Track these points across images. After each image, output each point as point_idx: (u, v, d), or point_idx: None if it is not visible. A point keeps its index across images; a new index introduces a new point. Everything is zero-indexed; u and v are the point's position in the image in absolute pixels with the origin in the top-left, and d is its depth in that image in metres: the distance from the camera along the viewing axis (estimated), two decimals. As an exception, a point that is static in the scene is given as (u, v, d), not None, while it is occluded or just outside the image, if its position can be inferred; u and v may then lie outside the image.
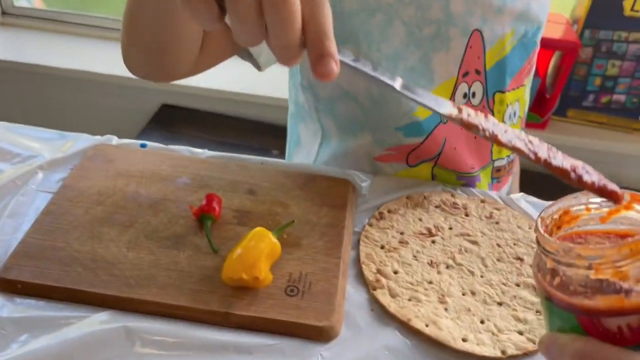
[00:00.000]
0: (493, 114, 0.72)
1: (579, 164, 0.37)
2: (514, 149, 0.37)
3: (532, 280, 0.57)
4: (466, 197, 0.68)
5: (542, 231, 0.37)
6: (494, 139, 0.37)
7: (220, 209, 0.60)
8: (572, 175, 0.37)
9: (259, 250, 0.53)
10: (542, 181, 0.87)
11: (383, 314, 0.53)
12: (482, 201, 0.67)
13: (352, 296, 0.55)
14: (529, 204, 0.68)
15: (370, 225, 0.62)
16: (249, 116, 1.72)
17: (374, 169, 0.73)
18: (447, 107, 0.38)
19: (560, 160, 0.37)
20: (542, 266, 0.38)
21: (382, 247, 0.60)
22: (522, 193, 0.70)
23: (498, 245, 0.61)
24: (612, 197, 0.37)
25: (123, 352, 0.48)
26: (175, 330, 0.50)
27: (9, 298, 0.51)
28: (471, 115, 0.38)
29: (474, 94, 0.70)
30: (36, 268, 0.53)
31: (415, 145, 0.70)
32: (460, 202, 0.66)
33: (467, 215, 0.65)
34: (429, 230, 0.62)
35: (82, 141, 0.70)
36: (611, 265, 0.33)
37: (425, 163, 0.72)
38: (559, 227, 0.39)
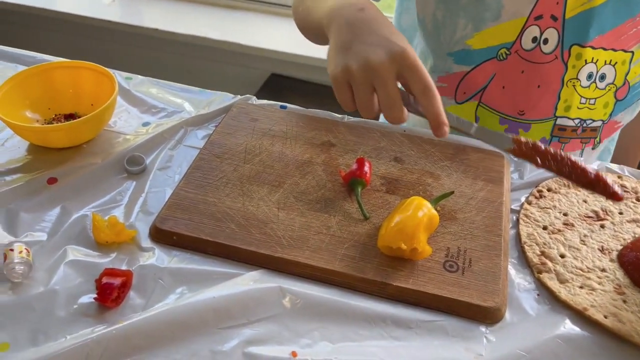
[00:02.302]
0: (567, 68, 0.68)
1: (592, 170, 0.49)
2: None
3: None
4: (635, 180, 0.61)
5: None
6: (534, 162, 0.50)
7: (370, 174, 0.57)
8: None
9: (417, 220, 0.50)
10: None
11: (551, 300, 0.49)
12: (655, 186, 0.60)
13: (514, 278, 0.51)
14: None
15: (529, 203, 0.57)
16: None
17: None
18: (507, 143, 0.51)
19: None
20: None
21: (545, 228, 0.55)
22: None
23: (678, 235, 0.54)
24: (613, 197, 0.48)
25: (279, 313, 0.47)
26: (330, 295, 0.48)
27: (166, 250, 0.51)
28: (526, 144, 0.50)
29: (546, 41, 0.66)
30: (190, 221, 0.53)
31: (463, 73, 0.70)
32: (629, 185, 0.60)
33: (638, 200, 0.58)
34: (597, 213, 0.56)
35: (223, 99, 0.70)
36: None
37: (471, 101, 0.71)
38: None
